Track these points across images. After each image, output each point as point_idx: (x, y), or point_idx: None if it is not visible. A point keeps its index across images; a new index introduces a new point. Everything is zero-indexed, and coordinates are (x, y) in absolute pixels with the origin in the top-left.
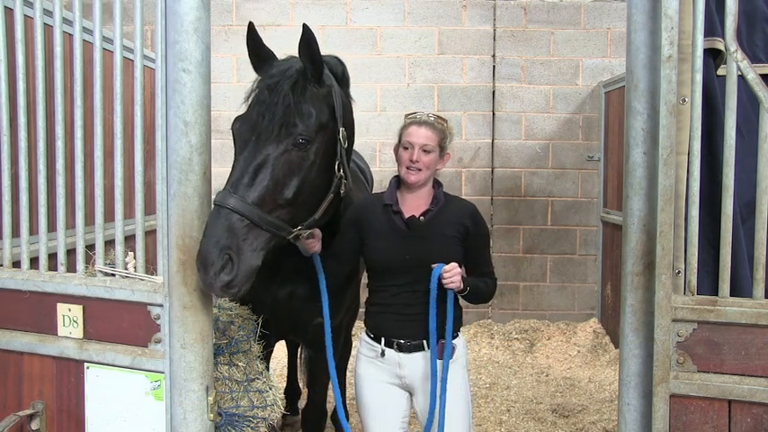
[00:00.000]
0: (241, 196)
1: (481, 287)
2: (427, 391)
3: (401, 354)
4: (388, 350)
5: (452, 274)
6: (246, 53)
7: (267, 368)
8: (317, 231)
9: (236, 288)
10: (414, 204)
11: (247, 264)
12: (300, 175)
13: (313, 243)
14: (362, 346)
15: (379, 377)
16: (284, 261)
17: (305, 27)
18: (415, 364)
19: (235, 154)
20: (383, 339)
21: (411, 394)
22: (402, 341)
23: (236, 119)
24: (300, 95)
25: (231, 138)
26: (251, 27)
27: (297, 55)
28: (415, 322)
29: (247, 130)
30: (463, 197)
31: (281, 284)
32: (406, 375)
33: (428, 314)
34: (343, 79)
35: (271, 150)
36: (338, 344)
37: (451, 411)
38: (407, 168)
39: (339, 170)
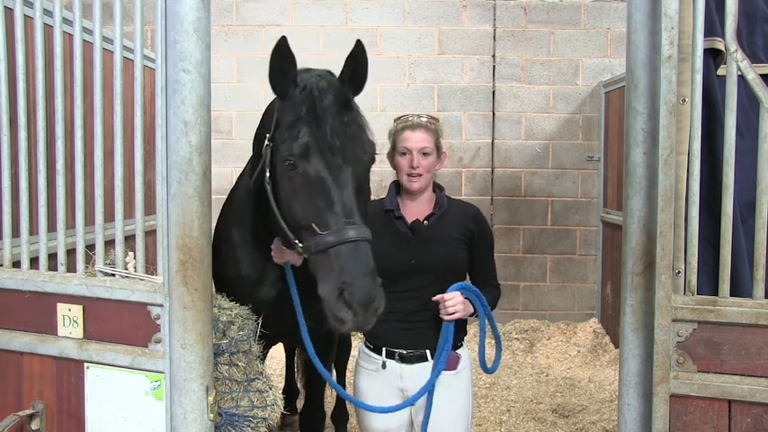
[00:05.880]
0: (362, 224)
1: (489, 300)
2: (430, 405)
3: (403, 365)
4: (389, 361)
5: (454, 302)
6: (247, 53)
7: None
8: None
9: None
10: (416, 210)
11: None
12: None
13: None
14: (361, 357)
15: (381, 393)
16: (272, 265)
17: (358, 43)
18: (418, 376)
19: (316, 172)
20: (384, 350)
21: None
22: (404, 352)
23: (298, 143)
24: (357, 112)
25: (234, 139)
26: (283, 42)
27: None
28: (418, 330)
29: (326, 150)
30: (463, 197)
31: (270, 288)
32: (408, 389)
33: (434, 323)
34: None
35: (360, 173)
36: (334, 346)
37: (452, 424)
38: (409, 176)
39: None
